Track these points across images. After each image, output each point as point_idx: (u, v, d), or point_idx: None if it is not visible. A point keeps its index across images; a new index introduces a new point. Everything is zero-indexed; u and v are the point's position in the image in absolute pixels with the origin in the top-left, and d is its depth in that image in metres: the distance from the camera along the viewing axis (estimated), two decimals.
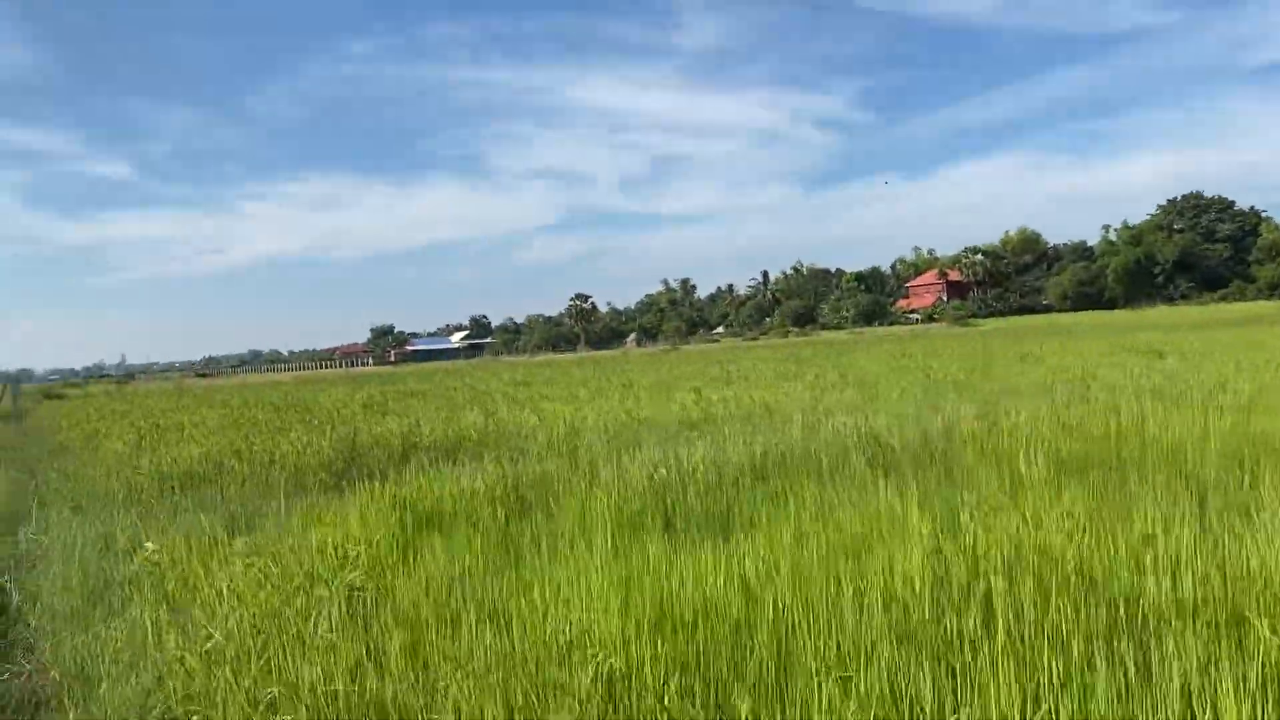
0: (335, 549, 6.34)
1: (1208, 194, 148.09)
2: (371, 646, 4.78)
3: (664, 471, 9.57)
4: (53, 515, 12.23)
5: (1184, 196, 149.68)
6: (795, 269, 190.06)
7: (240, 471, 13.68)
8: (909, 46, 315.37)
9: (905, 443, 11.50)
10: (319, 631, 4.93)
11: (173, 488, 13.27)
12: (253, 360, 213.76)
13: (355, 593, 5.45)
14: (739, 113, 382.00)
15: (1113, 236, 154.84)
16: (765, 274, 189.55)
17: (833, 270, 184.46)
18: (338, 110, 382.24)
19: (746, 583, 5.64)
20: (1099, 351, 27.92)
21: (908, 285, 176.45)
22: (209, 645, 4.83)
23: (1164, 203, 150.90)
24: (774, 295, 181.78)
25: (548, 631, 4.77)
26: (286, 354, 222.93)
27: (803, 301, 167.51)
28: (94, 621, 6.97)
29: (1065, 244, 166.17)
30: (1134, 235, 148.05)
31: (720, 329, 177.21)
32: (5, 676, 7.02)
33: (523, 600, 5.44)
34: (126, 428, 20.62)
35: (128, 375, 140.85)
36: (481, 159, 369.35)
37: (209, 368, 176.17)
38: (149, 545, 6.63)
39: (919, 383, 20.13)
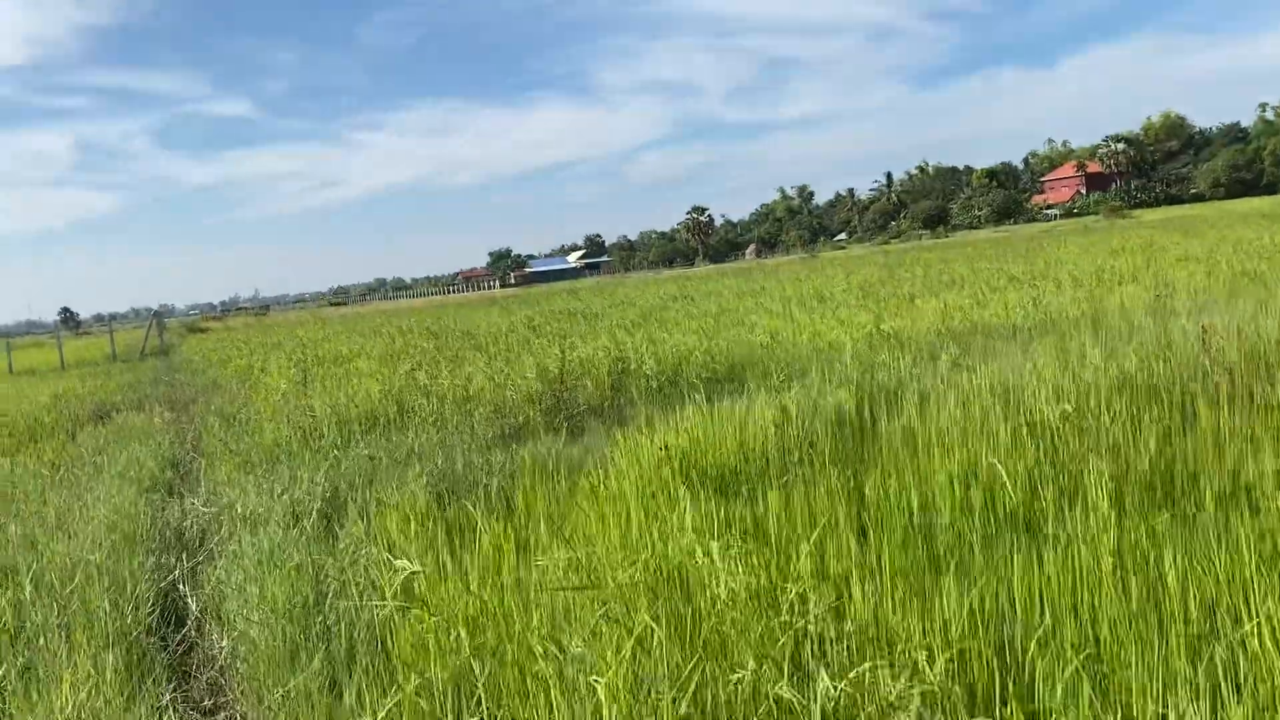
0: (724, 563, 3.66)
1: None
2: None
3: (1066, 406, 6.63)
4: (221, 473, 10.07)
5: None
6: (920, 168, 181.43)
7: (430, 411, 11.29)
8: None
9: None
10: None
11: (353, 434, 10.99)
12: (379, 287, 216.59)
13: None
14: (849, 9, 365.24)
15: (1270, 115, 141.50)
16: (889, 175, 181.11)
17: (961, 168, 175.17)
18: (445, 35, 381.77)
19: None
20: None
21: (1043, 180, 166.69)
22: None
23: None
24: (899, 197, 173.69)
25: None
26: (409, 280, 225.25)
27: (932, 202, 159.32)
28: (318, 674, 4.51)
29: (1215, 127, 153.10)
30: None
31: (843, 235, 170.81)
32: None
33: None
34: (284, 361, 18.64)
35: (264, 307, 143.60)
36: (589, 76, 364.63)
37: (339, 296, 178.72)
38: (403, 564, 4.08)
39: (1203, 274, 16.50)
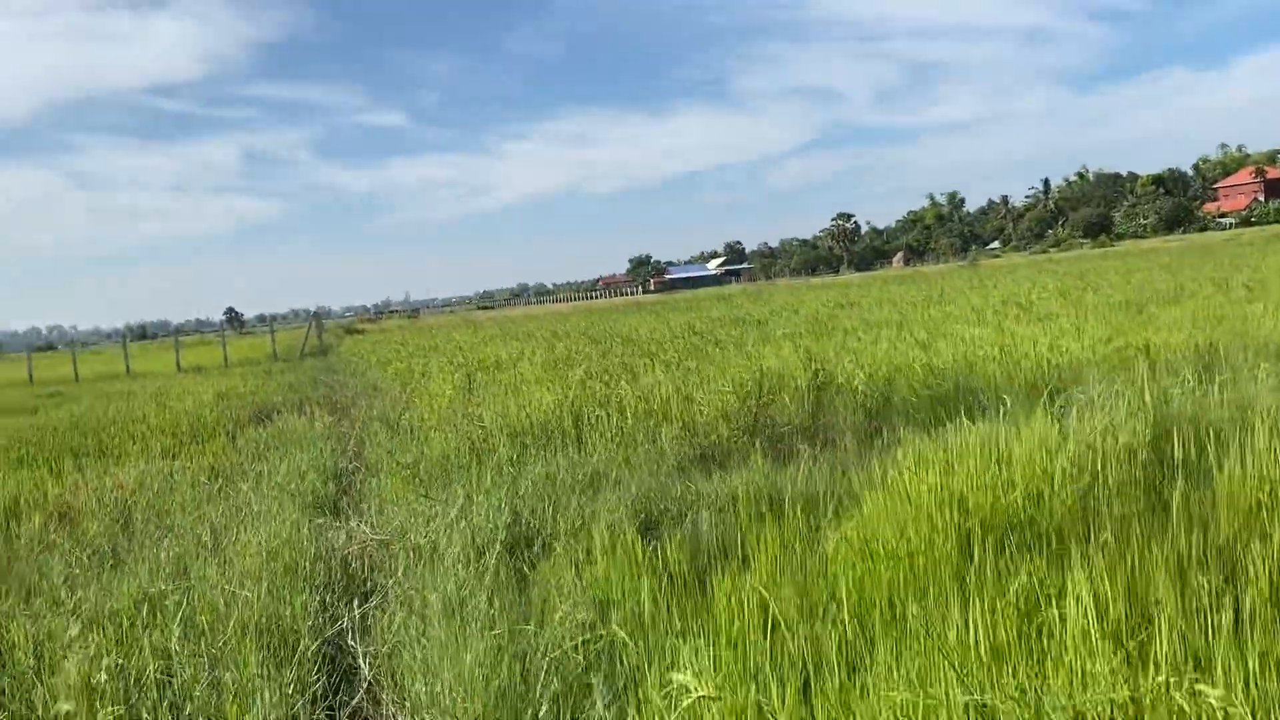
0: None
1: None
2: None
3: None
4: (388, 489, 9.07)
5: None
6: (1080, 174, 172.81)
7: (611, 426, 10.06)
8: None
9: None
10: None
11: (526, 448, 9.84)
12: (522, 292, 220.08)
13: None
14: (1002, 10, 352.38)
15: None
16: (1046, 181, 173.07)
17: (1124, 174, 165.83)
18: (589, 44, 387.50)
19: None
20: None
21: (1216, 187, 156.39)
22: None
23: None
24: (1057, 204, 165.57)
25: None
26: (551, 286, 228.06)
27: (1093, 210, 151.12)
28: None
29: None
30: None
31: (995, 244, 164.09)
32: None
33: None
34: (444, 365, 17.86)
35: (414, 310, 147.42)
36: (730, 82, 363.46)
37: (486, 300, 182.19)
38: (686, 680, 2.74)
39: None
